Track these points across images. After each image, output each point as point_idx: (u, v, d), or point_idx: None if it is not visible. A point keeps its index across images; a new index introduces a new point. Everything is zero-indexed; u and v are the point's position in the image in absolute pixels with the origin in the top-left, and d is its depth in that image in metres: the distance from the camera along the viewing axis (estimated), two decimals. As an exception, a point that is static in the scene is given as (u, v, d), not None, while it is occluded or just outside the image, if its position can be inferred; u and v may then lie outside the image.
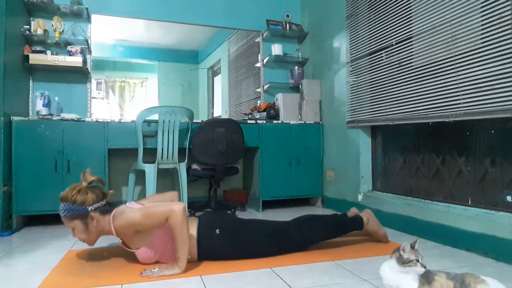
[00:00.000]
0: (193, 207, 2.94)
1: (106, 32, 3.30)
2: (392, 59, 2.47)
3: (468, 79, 1.90)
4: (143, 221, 1.59)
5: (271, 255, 1.83)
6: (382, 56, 2.57)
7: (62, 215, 1.61)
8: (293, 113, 3.48)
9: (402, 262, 1.09)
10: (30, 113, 2.94)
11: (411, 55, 2.31)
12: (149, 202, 1.82)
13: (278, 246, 1.86)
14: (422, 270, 1.07)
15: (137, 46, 3.57)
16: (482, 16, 1.82)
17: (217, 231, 1.74)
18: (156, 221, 1.59)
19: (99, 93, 3.29)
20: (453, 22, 1.98)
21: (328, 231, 1.98)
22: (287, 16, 3.75)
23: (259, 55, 3.76)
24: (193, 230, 1.72)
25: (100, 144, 2.70)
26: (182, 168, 2.84)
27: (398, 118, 2.41)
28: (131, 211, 1.64)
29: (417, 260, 1.07)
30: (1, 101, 2.37)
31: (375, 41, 2.65)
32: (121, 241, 1.69)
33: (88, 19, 3.19)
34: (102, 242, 2.18)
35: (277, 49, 3.64)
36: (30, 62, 2.82)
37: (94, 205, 1.63)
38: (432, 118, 2.14)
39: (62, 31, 3.03)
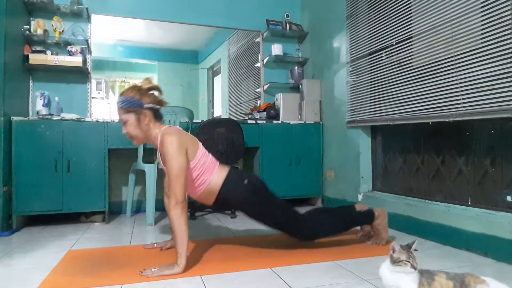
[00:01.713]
0: (192, 206, 2.94)
1: (106, 32, 3.30)
2: (392, 59, 2.47)
3: (468, 79, 1.90)
4: (165, 164, 1.68)
5: (281, 229, 1.94)
6: (382, 56, 2.57)
7: (119, 106, 1.73)
8: (293, 113, 3.49)
9: (393, 261, 1.10)
10: (30, 113, 2.94)
11: (411, 55, 2.31)
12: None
13: (290, 225, 1.92)
14: (412, 271, 1.06)
15: (137, 46, 3.57)
16: (482, 16, 1.82)
17: (245, 181, 1.83)
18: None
19: (99, 93, 3.29)
20: (453, 22, 1.98)
21: (341, 226, 2.00)
22: (287, 16, 3.75)
23: (259, 55, 3.76)
24: (222, 175, 1.80)
25: (100, 144, 2.70)
26: (182, 168, 2.83)
27: (398, 118, 2.41)
28: (173, 150, 1.64)
29: (407, 261, 1.07)
30: (1, 101, 2.37)
31: (375, 41, 2.65)
32: (159, 154, 1.79)
33: (88, 19, 3.19)
34: (105, 242, 2.18)
35: (277, 49, 3.64)
36: (30, 62, 2.82)
37: (150, 105, 1.73)
38: (432, 118, 2.14)
39: (62, 31, 3.03)
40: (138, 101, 1.71)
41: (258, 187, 1.87)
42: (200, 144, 1.83)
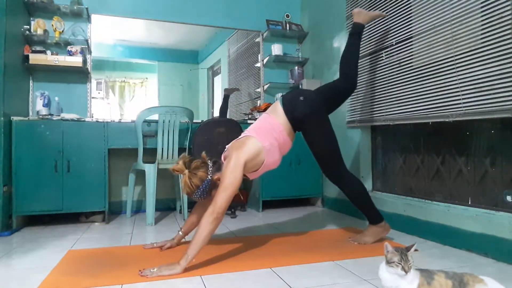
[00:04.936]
0: (193, 207, 2.93)
1: (106, 32, 3.30)
2: (392, 59, 2.47)
3: (468, 79, 1.90)
4: (222, 176, 1.72)
5: (333, 158, 2.13)
6: (382, 56, 2.57)
7: (202, 199, 1.77)
8: (293, 113, 3.48)
9: (387, 261, 1.12)
10: (30, 113, 2.94)
11: (411, 55, 2.30)
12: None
13: (338, 157, 2.14)
14: (403, 273, 1.07)
15: (137, 46, 3.57)
16: (482, 16, 1.82)
17: (301, 98, 1.99)
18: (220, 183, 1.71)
19: (99, 93, 3.29)
20: (453, 22, 1.98)
21: (357, 198, 2.19)
22: (287, 16, 3.75)
23: (259, 55, 3.76)
24: (280, 113, 1.96)
25: (100, 144, 2.70)
26: (182, 168, 2.83)
27: (398, 118, 2.41)
28: (232, 165, 1.69)
29: (398, 263, 1.08)
30: (1, 101, 2.37)
31: (375, 41, 2.65)
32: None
33: (88, 19, 3.19)
34: (105, 242, 2.18)
35: (277, 49, 3.64)
36: (30, 62, 2.82)
37: (209, 172, 1.75)
38: (432, 118, 2.14)
39: (62, 31, 3.04)
40: (203, 183, 1.72)
41: (315, 101, 2.01)
42: (260, 142, 1.84)
